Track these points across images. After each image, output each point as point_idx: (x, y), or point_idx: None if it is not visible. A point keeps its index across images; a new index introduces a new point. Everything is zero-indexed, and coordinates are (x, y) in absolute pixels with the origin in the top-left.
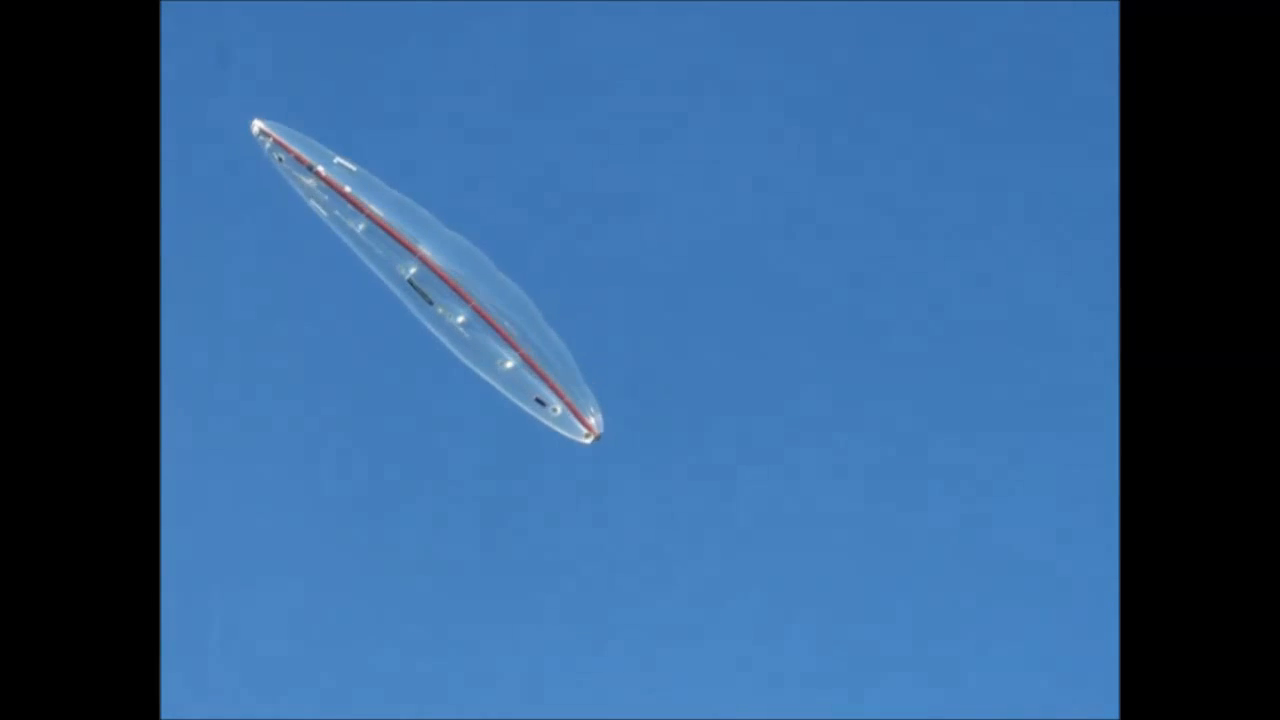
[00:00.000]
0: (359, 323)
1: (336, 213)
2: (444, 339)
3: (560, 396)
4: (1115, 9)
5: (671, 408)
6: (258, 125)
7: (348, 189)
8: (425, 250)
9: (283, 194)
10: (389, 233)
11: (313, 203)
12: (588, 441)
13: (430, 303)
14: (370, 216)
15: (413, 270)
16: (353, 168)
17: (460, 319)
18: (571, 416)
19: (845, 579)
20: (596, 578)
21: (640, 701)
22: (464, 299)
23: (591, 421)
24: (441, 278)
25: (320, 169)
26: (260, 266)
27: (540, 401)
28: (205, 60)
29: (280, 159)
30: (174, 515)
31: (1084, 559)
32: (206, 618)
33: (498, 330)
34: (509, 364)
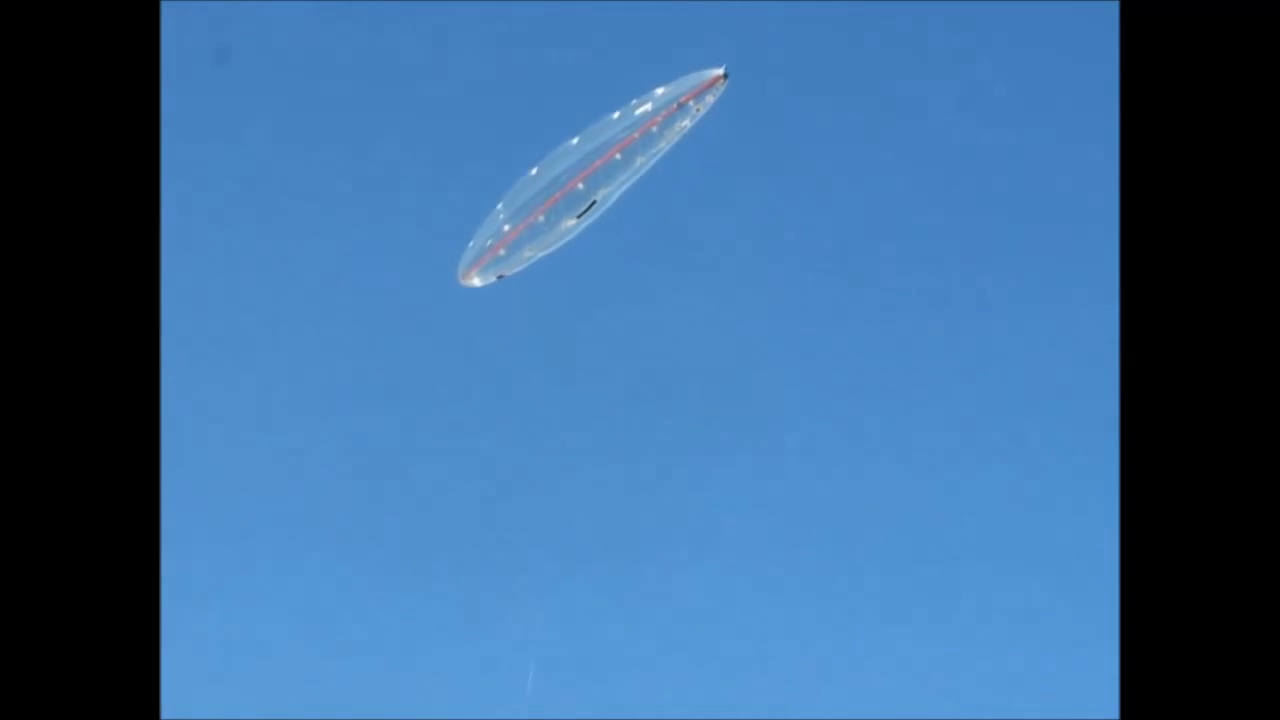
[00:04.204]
0: (360, 316)
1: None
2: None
3: (694, 95)
4: (1115, 9)
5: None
6: (719, 73)
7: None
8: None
9: (280, 192)
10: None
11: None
12: (722, 76)
13: (594, 202)
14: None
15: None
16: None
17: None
18: (704, 91)
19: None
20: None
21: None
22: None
23: (714, 72)
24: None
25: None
26: (259, 263)
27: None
28: (205, 60)
29: (677, 106)
30: (175, 515)
31: (1085, 559)
32: (206, 618)
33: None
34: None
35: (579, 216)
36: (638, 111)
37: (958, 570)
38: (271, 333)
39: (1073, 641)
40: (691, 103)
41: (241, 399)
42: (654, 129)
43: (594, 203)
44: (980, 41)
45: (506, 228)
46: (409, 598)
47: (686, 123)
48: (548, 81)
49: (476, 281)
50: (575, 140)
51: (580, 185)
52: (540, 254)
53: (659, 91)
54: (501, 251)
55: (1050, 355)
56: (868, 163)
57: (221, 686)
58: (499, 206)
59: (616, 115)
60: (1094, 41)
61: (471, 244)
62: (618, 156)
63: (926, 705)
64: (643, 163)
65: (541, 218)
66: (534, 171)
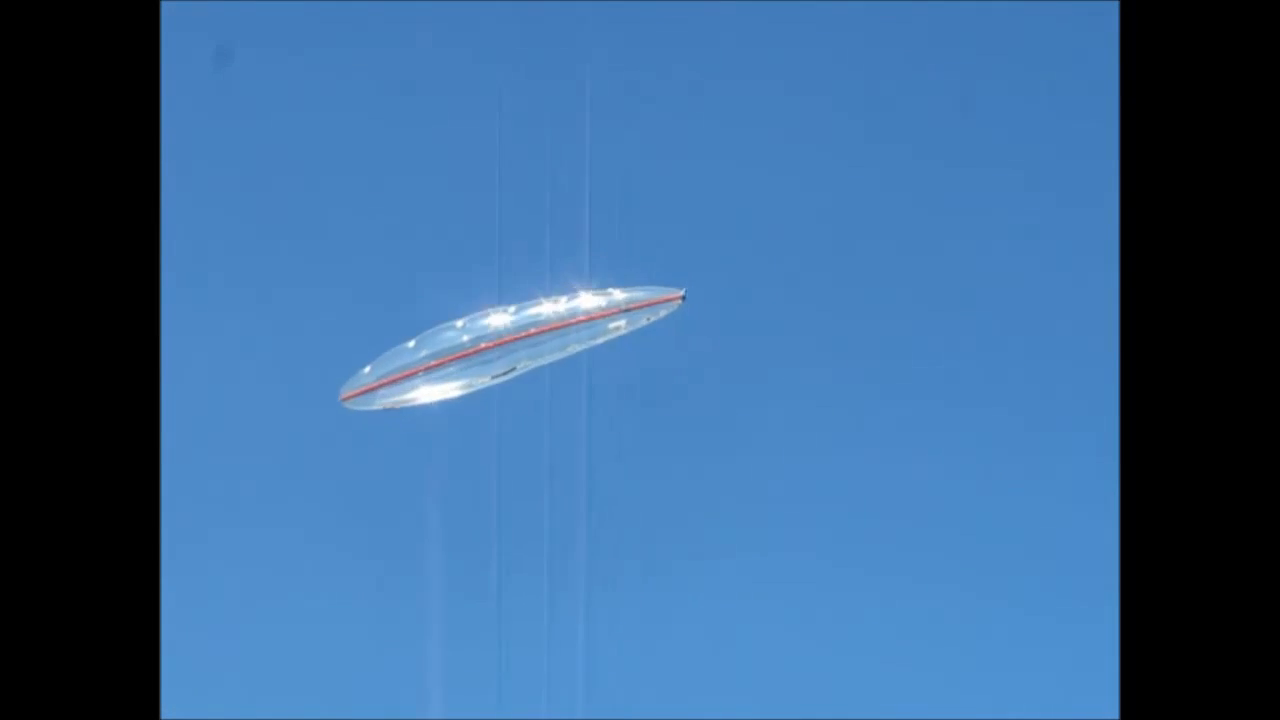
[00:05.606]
0: (360, 319)
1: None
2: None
3: (645, 306)
4: (1115, 9)
5: None
6: (678, 294)
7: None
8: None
9: (280, 191)
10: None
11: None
12: (680, 297)
13: (512, 369)
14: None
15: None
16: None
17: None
18: (658, 305)
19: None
20: None
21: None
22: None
23: (674, 292)
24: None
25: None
26: (259, 265)
27: (509, 369)
28: (205, 60)
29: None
30: (175, 515)
31: (1085, 563)
32: (206, 618)
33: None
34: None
35: (494, 377)
36: (587, 304)
37: (957, 569)
38: (272, 334)
39: (1073, 641)
40: (640, 312)
41: (241, 398)
42: (593, 322)
43: (513, 370)
44: (978, 41)
45: (418, 357)
46: (411, 597)
47: (623, 324)
48: (550, 81)
49: (376, 405)
50: (512, 308)
51: (504, 348)
52: (437, 398)
53: (614, 293)
54: (390, 386)
55: (1051, 358)
56: (864, 160)
57: (222, 686)
58: (410, 344)
59: (564, 300)
60: (1094, 41)
61: (368, 369)
62: (551, 335)
63: (924, 704)
64: (573, 349)
65: (454, 366)
66: (459, 323)
